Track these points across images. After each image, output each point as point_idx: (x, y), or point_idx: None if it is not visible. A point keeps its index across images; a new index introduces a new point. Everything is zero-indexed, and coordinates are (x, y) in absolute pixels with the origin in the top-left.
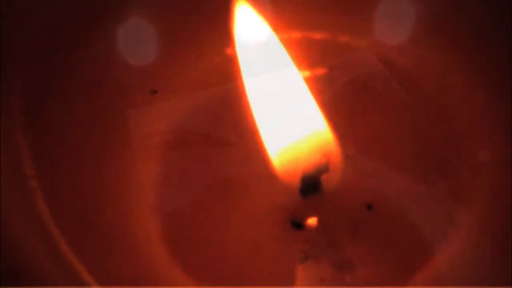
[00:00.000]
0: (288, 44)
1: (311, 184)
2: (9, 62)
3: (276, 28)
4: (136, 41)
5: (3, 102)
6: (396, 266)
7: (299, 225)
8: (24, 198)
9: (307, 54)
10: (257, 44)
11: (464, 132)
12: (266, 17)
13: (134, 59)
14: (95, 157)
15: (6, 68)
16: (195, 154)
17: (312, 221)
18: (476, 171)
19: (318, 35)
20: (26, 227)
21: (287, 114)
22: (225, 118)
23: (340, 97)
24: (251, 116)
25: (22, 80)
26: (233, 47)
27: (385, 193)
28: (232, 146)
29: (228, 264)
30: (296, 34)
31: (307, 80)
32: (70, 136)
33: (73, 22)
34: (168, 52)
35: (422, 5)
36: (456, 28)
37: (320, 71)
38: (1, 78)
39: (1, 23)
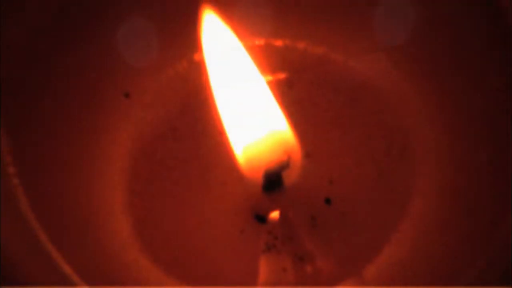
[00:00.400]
0: (252, 50)
1: (273, 180)
2: None
3: (240, 35)
4: (110, 45)
5: None
6: (353, 257)
7: (262, 218)
8: (7, 197)
9: (268, 60)
10: (223, 50)
11: (411, 131)
12: (231, 26)
13: (107, 63)
14: (72, 157)
15: None
16: (163, 150)
17: (274, 215)
18: (423, 167)
19: (279, 42)
20: (10, 226)
21: (250, 115)
22: (193, 116)
23: (299, 100)
24: (217, 115)
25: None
26: (201, 53)
27: (341, 188)
28: (199, 144)
29: (196, 255)
30: (259, 41)
31: (269, 83)
32: (50, 136)
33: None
34: (140, 56)
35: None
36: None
37: (281, 75)
38: None
39: None
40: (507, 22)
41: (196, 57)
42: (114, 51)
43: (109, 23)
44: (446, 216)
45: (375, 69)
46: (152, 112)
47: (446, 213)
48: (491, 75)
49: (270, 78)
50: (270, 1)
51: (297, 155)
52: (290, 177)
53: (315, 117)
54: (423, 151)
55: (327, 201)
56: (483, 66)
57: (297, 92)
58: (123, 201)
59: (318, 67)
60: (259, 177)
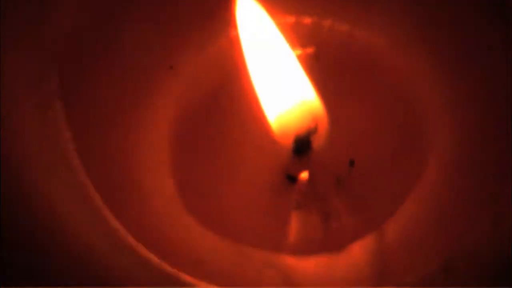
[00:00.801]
0: (282, 27)
1: (302, 144)
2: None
3: (272, 14)
4: (157, 24)
5: (43, 79)
6: (374, 213)
7: (292, 178)
8: (63, 161)
9: (298, 36)
10: (256, 27)
11: (426, 103)
12: (264, 5)
13: (154, 39)
14: (122, 124)
15: (45, 49)
16: (204, 118)
17: (303, 175)
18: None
19: (307, 20)
20: (66, 188)
21: (282, 86)
22: (231, 88)
23: (325, 72)
24: (252, 87)
25: (59, 58)
26: (236, 31)
27: (364, 151)
28: (237, 113)
29: (234, 212)
30: (290, 19)
31: (298, 57)
32: (102, 105)
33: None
34: (183, 33)
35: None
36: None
37: (309, 50)
38: (40, 58)
39: None
40: None
41: (232, 33)
42: (160, 28)
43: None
44: (456, 179)
45: (395, 47)
46: (194, 84)
47: (456, 176)
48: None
49: (299, 52)
50: None
51: (324, 122)
52: (317, 142)
53: (340, 88)
54: (437, 121)
55: (351, 163)
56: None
57: (323, 65)
58: (167, 165)
59: (342, 43)
60: (290, 142)
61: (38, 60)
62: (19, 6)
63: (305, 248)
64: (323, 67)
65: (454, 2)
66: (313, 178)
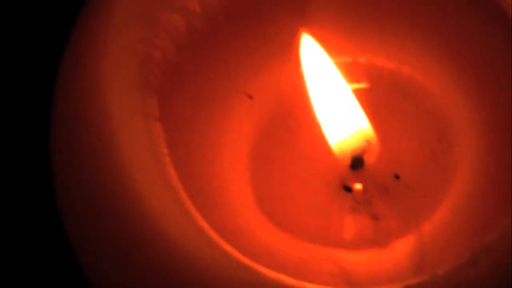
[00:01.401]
0: (341, 65)
1: (357, 161)
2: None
3: (332, 54)
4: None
5: (146, 105)
6: (414, 217)
7: (349, 189)
8: (160, 173)
9: (353, 73)
10: (318, 65)
11: (456, 125)
12: (325, 46)
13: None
14: (209, 142)
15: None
16: (277, 138)
17: (357, 186)
18: (466, 154)
19: (362, 59)
20: (163, 196)
21: (340, 115)
22: (298, 113)
23: (376, 103)
24: (316, 115)
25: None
26: (301, 68)
27: (407, 166)
28: (303, 134)
29: (301, 215)
30: (348, 59)
31: (354, 91)
32: (192, 127)
33: None
34: (261, 69)
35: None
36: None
37: (363, 85)
38: (143, 88)
39: None
40: None
41: (299, 69)
42: (240, 60)
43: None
44: (482, 189)
45: (433, 80)
46: (268, 110)
47: (483, 186)
48: None
49: (355, 86)
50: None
51: (375, 143)
52: (369, 159)
53: (388, 116)
54: (466, 141)
55: (396, 176)
56: None
57: (375, 97)
58: (246, 176)
59: (390, 78)
60: (347, 159)
61: (141, 90)
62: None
63: (357, 245)
64: (374, 99)
65: (483, 39)
66: (365, 188)
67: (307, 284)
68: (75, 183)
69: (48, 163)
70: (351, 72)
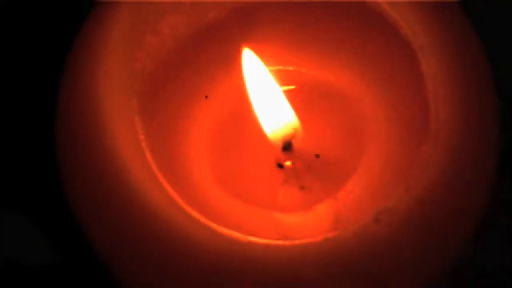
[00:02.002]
0: (274, 72)
1: (287, 145)
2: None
3: (266, 63)
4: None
5: (131, 103)
6: (332, 186)
7: (281, 166)
8: (139, 155)
9: (284, 78)
10: (256, 73)
11: (366, 120)
12: (261, 58)
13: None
14: (177, 133)
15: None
16: (227, 131)
17: (288, 163)
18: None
19: (290, 68)
20: (141, 172)
21: (274, 111)
22: (242, 112)
23: (302, 101)
24: (255, 111)
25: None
26: (243, 74)
27: (326, 148)
28: (246, 127)
29: (247, 186)
30: (279, 67)
31: (284, 92)
32: (164, 121)
33: None
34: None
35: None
36: None
37: (291, 87)
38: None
39: None
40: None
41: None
42: (201, 70)
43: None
44: (384, 166)
45: (346, 83)
46: (222, 106)
47: (385, 164)
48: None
49: (285, 88)
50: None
51: (300, 131)
52: (296, 143)
53: (310, 111)
54: (372, 129)
55: (317, 156)
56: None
57: (300, 97)
58: (208, 157)
59: (315, 81)
60: (280, 143)
61: (127, 93)
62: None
63: (288, 208)
64: (300, 98)
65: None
66: (294, 165)
67: (250, 238)
68: (77, 164)
69: (49, 161)
70: (281, 77)
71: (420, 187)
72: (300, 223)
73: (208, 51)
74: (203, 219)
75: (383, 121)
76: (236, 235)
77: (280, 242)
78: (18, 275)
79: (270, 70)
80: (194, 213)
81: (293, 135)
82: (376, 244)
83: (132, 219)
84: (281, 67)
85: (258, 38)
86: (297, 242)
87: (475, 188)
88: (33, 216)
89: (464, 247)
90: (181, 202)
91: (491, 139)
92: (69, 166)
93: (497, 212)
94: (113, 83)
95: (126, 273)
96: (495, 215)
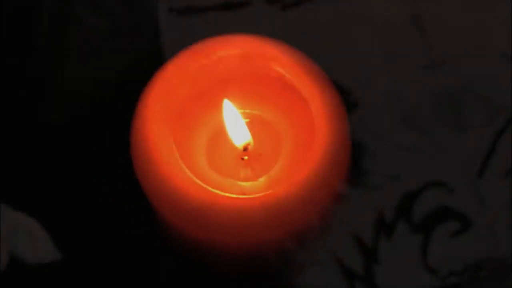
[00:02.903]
0: (241, 112)
1: (246, 148)
2: None
3: (237, 107)
4: None
5: None
6: (266, 170)
7: (242, 159)
8: (170, 152)
9: (245, 115)
10: (231, 112)
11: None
12: (234, 104)
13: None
14: (191, 144)
15: None
16: (216, 142)
17: (245, 158)
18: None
19: (248, 110)
20: (170, 159)
21: (239, 132)
22: (224, 132)
23: (253, 127)
24: (229, 133)
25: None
26: (223, 113)
27: (265, 150)
28: (227, 140)
29: (223, 168)
30: (243, 110)
31: (246, 122)
32: (181, 134)
33: None
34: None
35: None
36: None
37: (247, 120)
38: None
39: None
40: None
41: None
42: (204, 112)
43: None
44: (295, 158)
45: (274, 116)
46: (212, 130)
47: (296, 158)
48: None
49: (246, 120)
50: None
51: (252, 142)
52: (250, 148)
53: (258, 132)
54: (287, 141)
55: (260, 154)
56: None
57: (250, 125)
58: (204, 152)
59: (258, 117)
60: (242, 148)
61: (162, 123)
62: None
63: (245, 180)
64: (250, 125)
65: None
66: (249, 158)
67: (227, 194)
68: (144, 164)
69: (49, 162)
70: (243, 114)
71: (305, 173)
72: (252, 187)
73: (206, 103)
74: (204, 185)
75: (290, 135)
76: (221, 193)
77: (241, 196)
78: (23, 273)
79: (239, 111)
80: (200, 183)
81: (248, 144)
82: (288, 199)
83: (171, 188)
84: (244, 110)
85: (233, 96)
86: (250, 196)
87: (339, 175)
88: (38, 216)
89: (331, 205)
90: (193, 177)
91: (347, 146)
92: (139, 163)
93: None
94: (156, 118)
95: (170, 215)
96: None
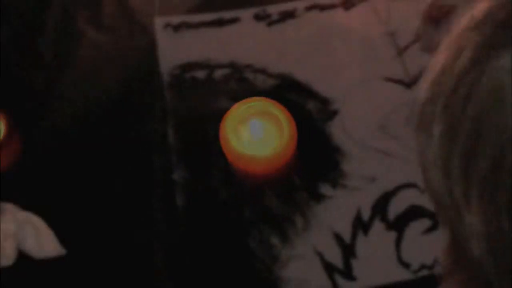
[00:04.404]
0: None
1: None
2: None
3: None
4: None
5: None
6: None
7: None
8: None
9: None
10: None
11: None
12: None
13: None
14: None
15: None
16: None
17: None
18: None
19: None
20: None
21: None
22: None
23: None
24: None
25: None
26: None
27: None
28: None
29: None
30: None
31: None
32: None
33: None
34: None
35: None
36: None
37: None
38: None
39: None
40: None
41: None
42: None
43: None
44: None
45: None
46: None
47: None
48: None
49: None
50: None
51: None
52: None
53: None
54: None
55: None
56: None
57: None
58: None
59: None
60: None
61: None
62: None
63: None
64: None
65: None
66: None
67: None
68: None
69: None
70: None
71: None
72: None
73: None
74: (245, 152)
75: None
76: (251, 153)
77: (258, 154)
78: (30, 266)
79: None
80: (243, 151)
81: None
82: (275, 156)
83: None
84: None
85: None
86: (261, 154)
87: (291, 151)
88: (43, 215)
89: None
90: (240, 149)
91: (295, 142)
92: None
93: None
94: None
95: (235, 161)
96: None
